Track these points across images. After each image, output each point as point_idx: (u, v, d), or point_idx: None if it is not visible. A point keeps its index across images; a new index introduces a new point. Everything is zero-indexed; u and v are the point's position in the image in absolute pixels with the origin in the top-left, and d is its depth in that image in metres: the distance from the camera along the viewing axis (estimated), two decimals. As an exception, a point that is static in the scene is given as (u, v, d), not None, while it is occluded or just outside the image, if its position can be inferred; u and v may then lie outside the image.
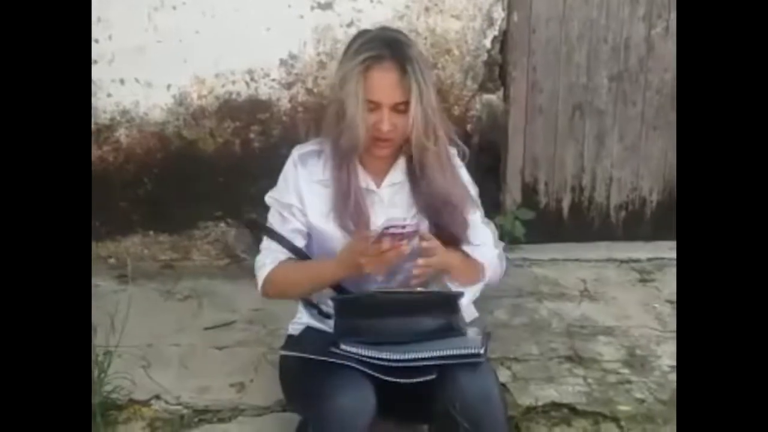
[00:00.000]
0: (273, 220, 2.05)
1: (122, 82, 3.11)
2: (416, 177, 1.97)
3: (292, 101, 3.18)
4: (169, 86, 3.14)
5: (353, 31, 3.09)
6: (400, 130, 1.90)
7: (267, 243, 2.05)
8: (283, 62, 3.14)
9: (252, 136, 3.20)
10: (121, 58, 3.05)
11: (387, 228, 1.79)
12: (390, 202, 2.00)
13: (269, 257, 2.02)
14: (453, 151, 2.05)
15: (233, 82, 3.15)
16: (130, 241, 3.27)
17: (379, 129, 1.89)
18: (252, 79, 3.15)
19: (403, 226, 1.81)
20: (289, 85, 3.17)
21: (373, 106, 1.88)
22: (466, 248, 2.00)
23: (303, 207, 2.00)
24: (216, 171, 3.21)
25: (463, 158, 2.07)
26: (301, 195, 1.99)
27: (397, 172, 2.01)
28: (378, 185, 2.00)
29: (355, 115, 1.87)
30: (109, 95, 3.10)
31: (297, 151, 2.03)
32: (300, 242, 2.02)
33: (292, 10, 3.09)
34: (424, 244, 1.86)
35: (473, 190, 2.08)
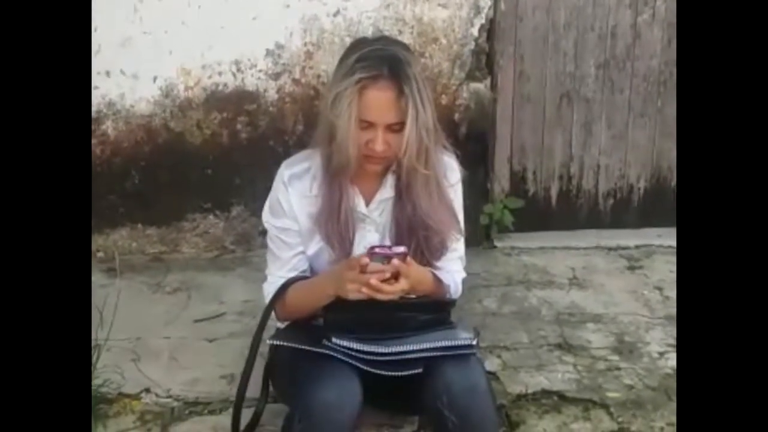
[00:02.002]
0: (273, 246, 2.02)
1: (108, 74, 3.09)
2: (402, 197, 1.95)
3: (280, 92, 3.17)
4: (155, 78, 3.12)
5: (340, 20, 3.10)
6: (394, 149, 1.85)
7: (271, 269, 2.04)
8: (269, 53, 3.13)
9: (239, 127, 3.19)
10: (107, 50, 3.03)
11: (373, 248, 1.80)
12: (377, 221, 1.99)
13: (273, 285, 2.01)
14: (453, 162, 2.02)
15: (220, 73, 3.14)
16: (118, 234, 3.26)
17: (373, 148, 1.84)
18: (239, 70, 3.14)
19: (390, 247, 1.82)
20: (276, 76, 3.15)
21: (367, 124, 1.83)
22: (435, 270, 2.00)
23: (300, 227, 1.98)
24: (203, 163, 3.20)
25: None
26: (295, 215, 1.97)
27: (387, 188, 1.98)
28: (368, 203, 1.98)
29: (346, 137, 1.82)
30: (95, 87, 3.08)
31: (287, 171, 1.98)
32: (303, 264, 2.01)
33: (279, 0, 3.07)
34: (402, 268, 1.81)
35: (461, 215, 2.04)
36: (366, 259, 1.78)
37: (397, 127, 1.83)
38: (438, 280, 1.99)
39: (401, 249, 1.82)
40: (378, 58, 1.82)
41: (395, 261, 1.79)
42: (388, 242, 1.98)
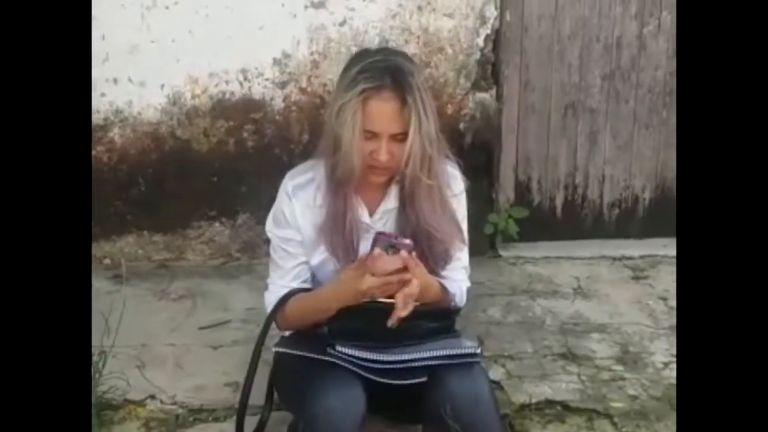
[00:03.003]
0: (275, 255, 2.03)
1: (116, 81, 3.10)
2: (406, 207, 1.95)
3: (286, 100, 3.18)
4: (162, 86, 3.14)
5: (346, 30, 3.11)
6: (398, 159, 1.86)
7: (273, 278, 2.05)
8: (276, 61, 3.14)
9: (245, 135, 3.20)
10: (115, 58, 3.05)
11: (380, 233, 1.80)
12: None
13: (274, 294, 2.02)
14: (456, 172, 2.03)
15: (227, 82, 3.15)
16: (124, 241, 3.27)
17: (377, 158, 1.85)
18: (245, 79, 3.15)
19: (396, 237, 1.83)
20: (282, 85, 3.17)
21: (371, 135, 1.84)
22: (440, 278, 2.01)
23: (303, 238, 1.99)
24: (210, 170, 3.21)
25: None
26: (299, 226, 1.98)
27: (391, 199, 1.99)
28: (372, 213, 1.99)
29: (351, 148, 1.83)
30: (102, 95, 3.10)
31: (290, 182, 1.99)
32: (305, 274, 2.02)
33: (285, 9, 3.09)
34: (410, 261, 1.81)
35: (464, 225, 2.05)
36: (377, 252, 1.78)
37: (401, 137, 1.84)
38: (443, 288, 2.00)
39: (407, 241, 1.83)
40: (381, 69, 1.83)
41: (403, 253, 1.79)
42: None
